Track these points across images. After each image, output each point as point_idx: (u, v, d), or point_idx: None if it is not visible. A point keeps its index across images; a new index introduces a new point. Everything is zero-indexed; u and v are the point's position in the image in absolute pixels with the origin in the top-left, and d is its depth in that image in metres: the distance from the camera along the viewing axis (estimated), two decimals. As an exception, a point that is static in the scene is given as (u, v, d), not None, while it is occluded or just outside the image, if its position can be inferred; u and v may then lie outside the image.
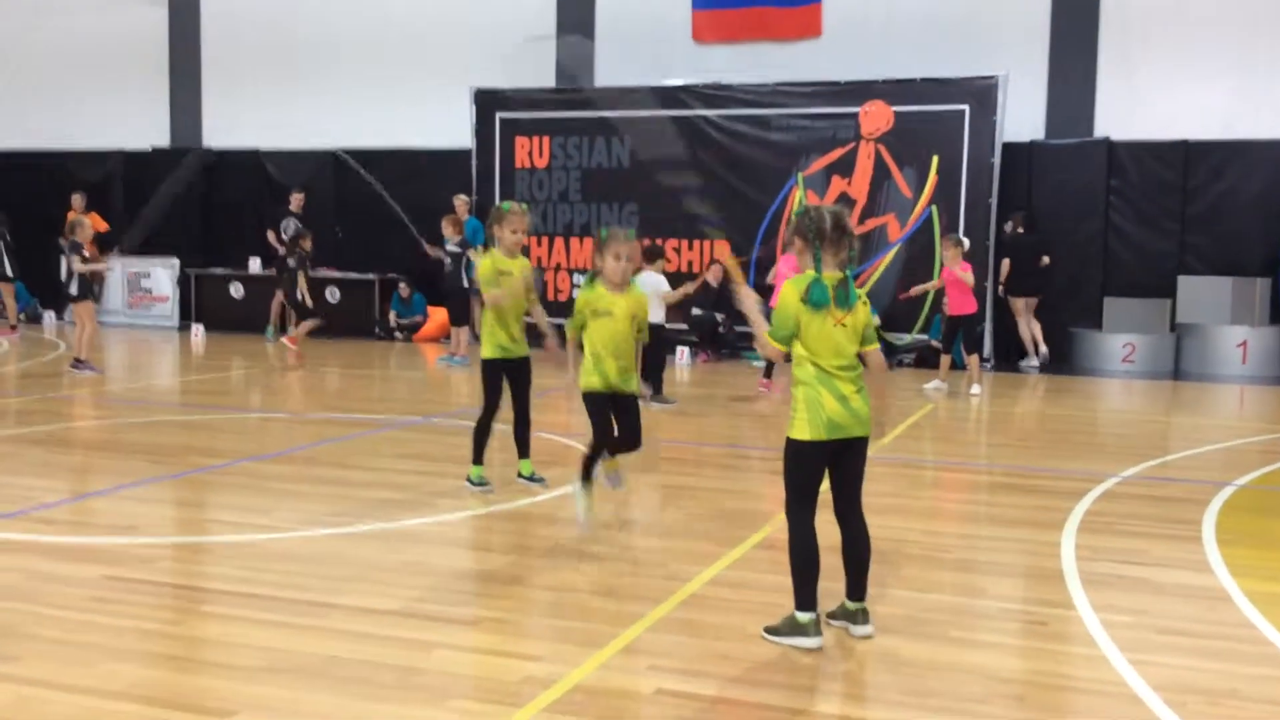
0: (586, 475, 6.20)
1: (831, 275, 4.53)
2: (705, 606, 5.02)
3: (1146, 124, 15.60)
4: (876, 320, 15.30)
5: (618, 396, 6.15)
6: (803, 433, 4.52)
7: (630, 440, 6.21)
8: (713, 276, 15.64)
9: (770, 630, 4.61)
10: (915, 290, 14.14)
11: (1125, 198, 15.77)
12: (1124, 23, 15.73)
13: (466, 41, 18.33)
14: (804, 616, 4.52)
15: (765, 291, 13.66)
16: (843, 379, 4.52)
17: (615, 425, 6.18)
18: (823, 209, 4.59)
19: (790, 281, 4.56)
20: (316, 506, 6.76)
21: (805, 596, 4.53)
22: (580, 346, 6.31)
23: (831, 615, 4.74)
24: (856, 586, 4.68)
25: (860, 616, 4.67)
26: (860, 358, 4.67)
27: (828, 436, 4.50)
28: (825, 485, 4.65)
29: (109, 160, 20.55)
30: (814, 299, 4.47)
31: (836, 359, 4.52)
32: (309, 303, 14.30)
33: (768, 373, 12.35)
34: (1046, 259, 15.57)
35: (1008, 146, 15.46)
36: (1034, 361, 15.37)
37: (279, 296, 16.25)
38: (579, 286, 6.22)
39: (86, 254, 12.85)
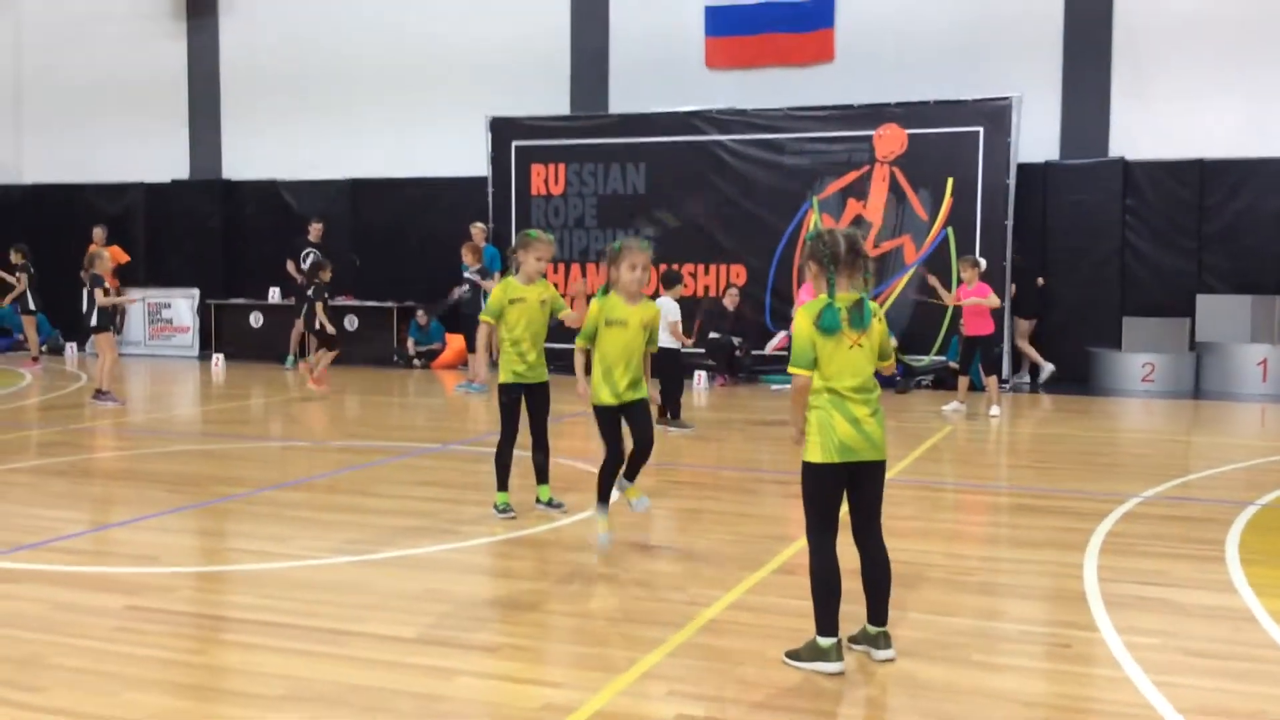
0: (603, 496, 6.23)
1: (846, 297, 4.53)
2: (725, 632, 5.00)
3: (1161, 143, 15.60)
4: (894, 342, 15.33)
5: (627, 405, 6.16)
6: (815, 455, 4.52)
7: (643, 447, 6.19)
8: (729, 302, 15.67)
9: (791, 655, 4.59)
10: (933, 281, 13.74)
11: (1141, 217, 15.75)
12: (1137, 42, 15.75)
13: (481, 70, 18.48)
14: (825, 641, 4.50)
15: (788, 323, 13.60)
16: (856, 401, 4.51)
17: (628, 432, 6.18)
18: (836, 232, 4.60)
19: (803, 309, 4.57)
20: (337, 534, 6.77)
21: (826, 621, 4.51)
22: (589, 360, 6.31)
23: (853, 639, 4.72)
24: (877, 611, 4.66)
25: (882, 640, 4.65)
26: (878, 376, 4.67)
27: (839, 459, 4.49)
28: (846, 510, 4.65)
29: (130, 193, 20.77)
30: (825, 325, 4.47)
31: (852, 380, 4.52)
32: (330, 329, 14.30)
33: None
34: (1041, 280, 15.61)
35: (1022, 167, 15.48)
36: (1051, 367, 15.42)
37: (299, 326, 16.31)
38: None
39: (108, 286, 12.96)
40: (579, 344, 6.26)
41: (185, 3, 20.36)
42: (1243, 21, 15.34)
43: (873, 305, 4.62)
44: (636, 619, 5.22)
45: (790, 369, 4.60)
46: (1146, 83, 15.73)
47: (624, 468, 6.27)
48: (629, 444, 6.24)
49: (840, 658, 4.49)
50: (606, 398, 6.12)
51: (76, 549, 6.46)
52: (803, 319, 4.54)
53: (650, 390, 6.34)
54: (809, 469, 4.56)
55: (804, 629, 4.68)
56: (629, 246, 6.15)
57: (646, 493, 6.61)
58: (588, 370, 6.31)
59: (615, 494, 6.33)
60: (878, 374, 4.65)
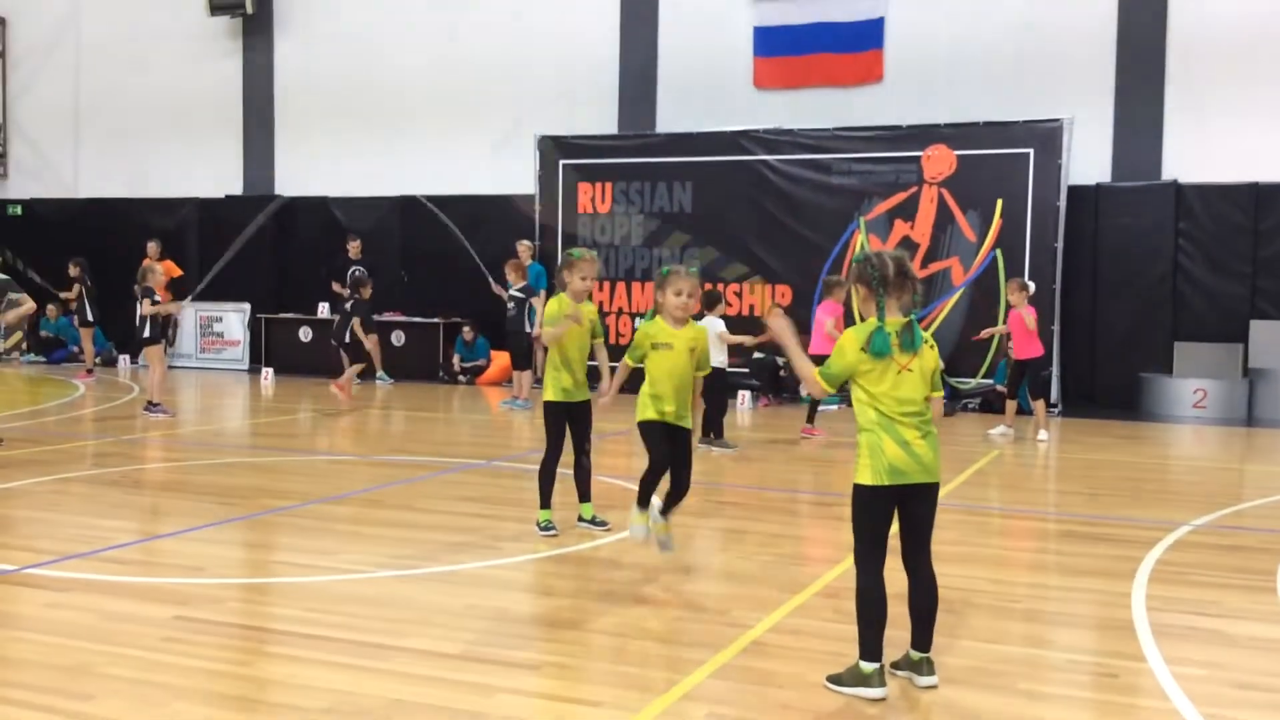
0: (643, 501, 6.19)
1: (895, 321, 4.51)
2: (767, 654, 4.98)
3: (1215, 166, 15.39)
4: (941, 365, 15.24)
5: (671, 429, 6.17)
6: (865, 478, 4.50)
7: (680, 487, 6.21)
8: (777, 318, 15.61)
9: (834, 679, 4.56)
10: (985, 334, 14.07)
11: (1194, 241, 15.55)
12: (1191, 64, 15.57)
13: (531, 89, 18.62)
14: (868, 666, 4.47)
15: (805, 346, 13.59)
16: (906, 424, 4.48)
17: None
18: (884, 254, 4.57)
19: (852, 330, 4.54)
20: (381, 549, 6.83)
21: (871, 646, 4.47)
22: (631, 373, 6.36)
23: (896, 665, 4.68)
24: (922, 637, 4.62)
25: (925, 667, 4.60)
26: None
27: (890, 482, 4.46)
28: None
29: (184, 208, 21.11)
30: (876, 349, 4.45)
31: (900, 406, 4.49)
32: (368, 345, 14.43)
33: (810, 418, 12.28)
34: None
35: (1073, 190, 15.34)
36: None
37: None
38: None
39: (159, 299, 13.17)
40: (626, 361, 6.33)
41: (241, 23, 20.70)
42: (1300, 44, 15.13)
43: (924, 333, 4.60)
44: (678, 639, 5.22)
45: (817, 378, 4.57)
46: (1200, 105, 15.54)
47: (662, 502, 6.25)
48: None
49: (883, 683, 4.46)
50: (650, 414, 6.15)
51: (126, 559, 6.56)
52: (850, 340, 4.51)
53: (694, 416, 6.35)
54: (859, 491, 4.53)
55: (847, 653, 4.65)
56: (675, 272, 6.23)
57: (689, 511, 6.58)
58: (624, 386, 6.38)
59: (655, 502, 6.31)
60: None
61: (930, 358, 4.56)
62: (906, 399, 4.49)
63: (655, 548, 6.31)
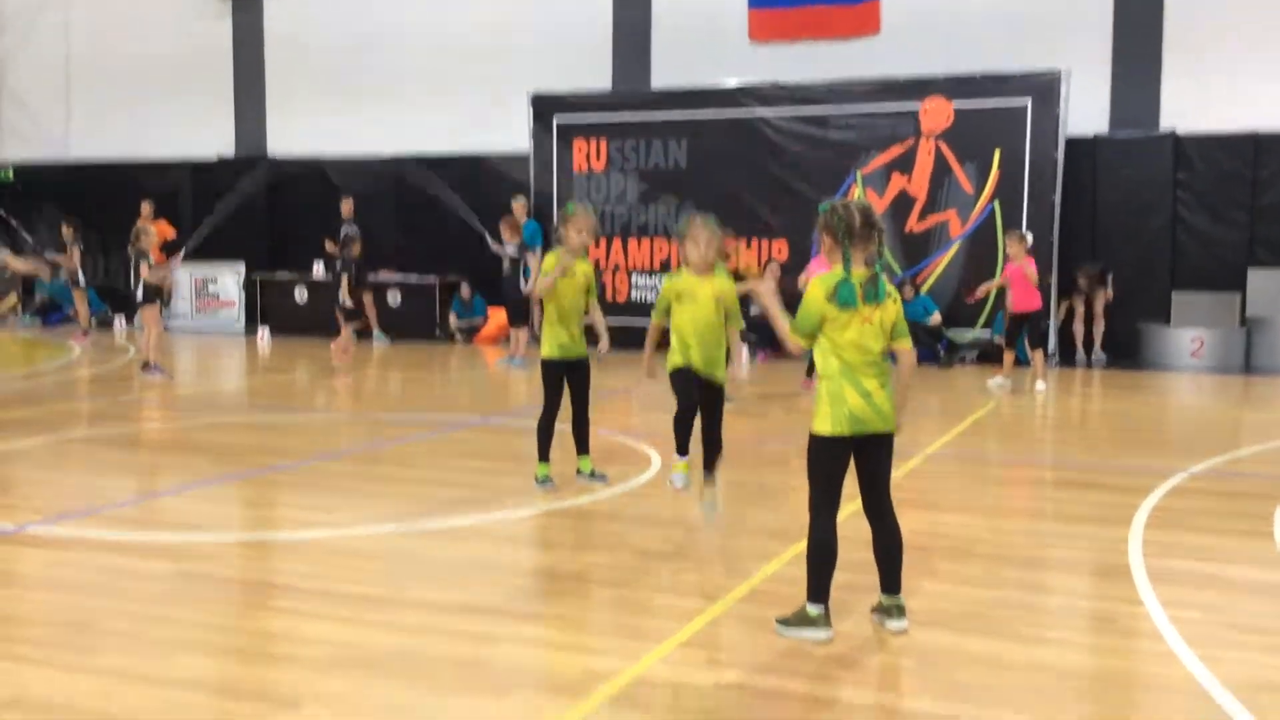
0: (681, 447, 6.20)
1: (860, 273, 4.48)
2: (766, 602, 5.00)
3: (1213, 116, 15.28)
4: (936, 318, 15.27)
5: (702, 384, 6.14)
6: (824, 427, 4.50)
7: (711, 443, 6.23)
8: (771, 276, 15.58)
9: (782, 621, 4.60)
10: (981, 290, 14.00)
11: (1192, 191, 15.48)
12: (1188, 14, 15.43)
13: (524, 46, 18.44)
14: (814, 609, 4.52)
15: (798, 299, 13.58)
16: (867, 374, 4.48)
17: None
18: (850, 205, 4.54)
19: (818, 279, 4.52)
20: (381, 505, 6.84)
21: (818, 589, 4.53)
22: (664, 340, 6.33)
23: (873, 610, 4.73)
24: (890, 581, 4.66)
25: (895, 612, 4.64)
26: (891, 355, 4.62)
27: (850, 431, 4.47)
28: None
29: (176, 170, 20.98)
30: (841, 299, 4.43)
31: (861, 355, 4.48)
32: (349, 304, 14.48)
33: (809, 371, 12.29)
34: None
35: (1071, 141, 15.24)
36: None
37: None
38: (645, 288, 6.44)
39: (152, 261, 13.12)
40: (654, 320, 6.29)
41: (231, -19, 20.49)
42: (1299, -10, 15.01)
43: (889, 286, 4.57)
44: (677, 589, 5.24)
45: (791, 334, 4.59)
46: (1198, 55, 15.41)
47: (703, 460, 6.26)
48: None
49: (828, 625, 4.51)
50: (680, 362, 6.13)
51: (126, 517, 6.57)
52: (816, 289, 4.49)
53: (731, 369, 6.35)
54: (816, 441, 4.54)
55: (842, 600, 4.68)
56: (693, 223, 6.18)
57: (692, 465, 6.52)
58: (659, 347, 6.34)
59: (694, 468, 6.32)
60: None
61: (892, 310, 4.54)
62: (868, 350, 4.48)
63: (702, 511, 6.28)
